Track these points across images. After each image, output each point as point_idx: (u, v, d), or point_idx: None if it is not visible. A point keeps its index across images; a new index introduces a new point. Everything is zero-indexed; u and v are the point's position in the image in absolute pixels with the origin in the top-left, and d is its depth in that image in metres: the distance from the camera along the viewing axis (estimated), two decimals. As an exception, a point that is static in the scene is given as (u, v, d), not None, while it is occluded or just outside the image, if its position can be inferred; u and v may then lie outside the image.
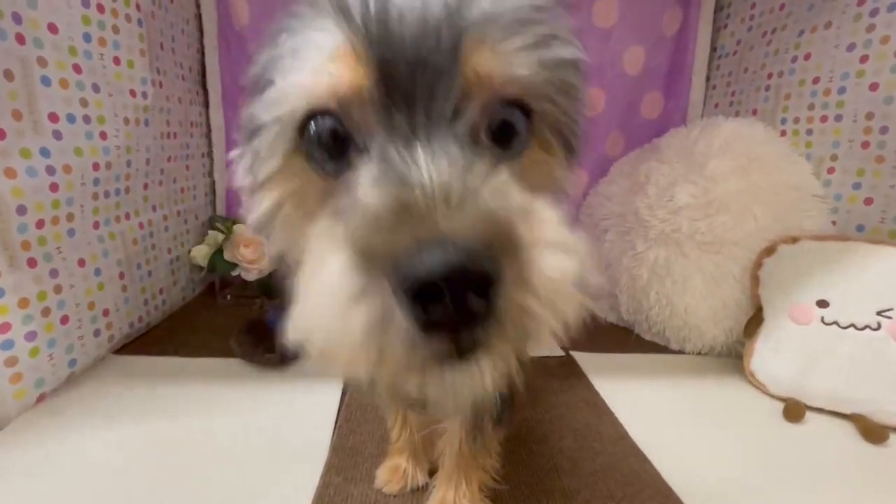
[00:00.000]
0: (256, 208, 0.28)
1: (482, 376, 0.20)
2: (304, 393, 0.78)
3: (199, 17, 1.15)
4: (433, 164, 0.20)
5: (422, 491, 0.56)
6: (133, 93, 0.87)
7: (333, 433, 0.67)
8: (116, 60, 0.82)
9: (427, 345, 0.18)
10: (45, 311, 0.69)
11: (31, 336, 0.67)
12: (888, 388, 0.71)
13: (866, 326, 0.73)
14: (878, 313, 0.72)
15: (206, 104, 1.20)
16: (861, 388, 0.73)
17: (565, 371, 0.91)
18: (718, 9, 1.27)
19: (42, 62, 0.68)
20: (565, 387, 0.84)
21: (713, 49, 1.29)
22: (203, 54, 1.17)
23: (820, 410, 0.76)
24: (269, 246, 0.29)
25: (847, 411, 0.74)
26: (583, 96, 0.29)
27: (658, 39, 1.31)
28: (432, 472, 0.56)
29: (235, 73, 1.21)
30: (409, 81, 0.22)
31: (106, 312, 0.83)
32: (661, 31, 1.31)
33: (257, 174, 0.28)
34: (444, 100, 0.22)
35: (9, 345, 0.64)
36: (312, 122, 0.24)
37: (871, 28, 0.84)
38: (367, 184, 0.21)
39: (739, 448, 0.69)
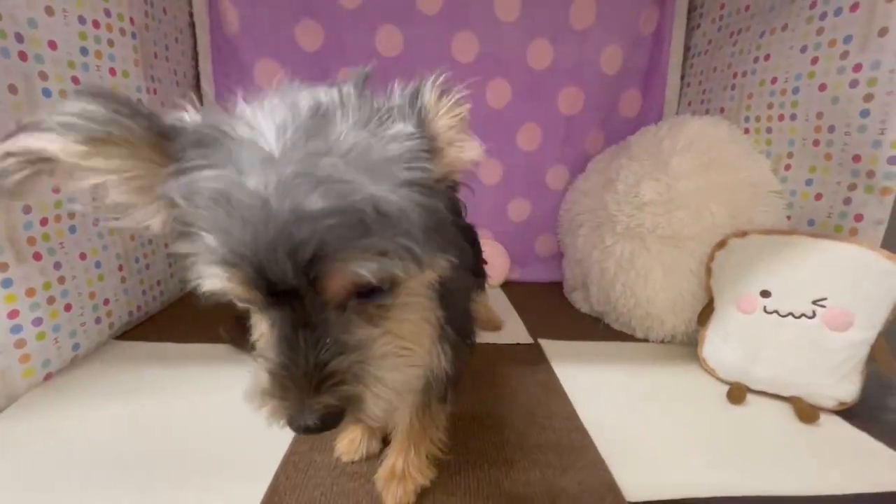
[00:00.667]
0: None
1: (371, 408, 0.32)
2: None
3: (192, 25, 1.22)
4: (307, 349, 0.30)
5: (375, 459, 0.63)
6: (129, 100, 0.94)
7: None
8: (112, 71, 0.89)
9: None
10: (50, 300, 0.77)
11: (37, 321, 0.75)
12: (822, 372, 0.76)
13: (802, 315, 0.78)
14: (814, 302, 0.77)
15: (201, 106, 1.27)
16: (798, 373, 0.78)
17: (531, 357, 0.97)
18: (692, 9, 1.30)
19: (43, 76, 0.75)
20: (528, 372, 0.90)
21: (687, 48, 1.32)
22: (197, 60, 1.24)
23: (762, 393, 0.82)
24: None
25: (786, 394, 0.79)
26: (445, 205, 0.35)
27: (636, 39, 1.35)
28: (386, 443, 0.63)
29: (228, 76, 1.28)
30: (285, 296, 0.30)
31: (106, 301, 0.91)
32: (638, 30, 1.35)
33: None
34: (311, 306, 0.30)
35: (17, 329, 0.72)
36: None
37: (820, 31, 0.88)
38: (266, 355, 0.33)
39: (681, 427, 0.74)
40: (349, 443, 0.63)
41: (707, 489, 0.60)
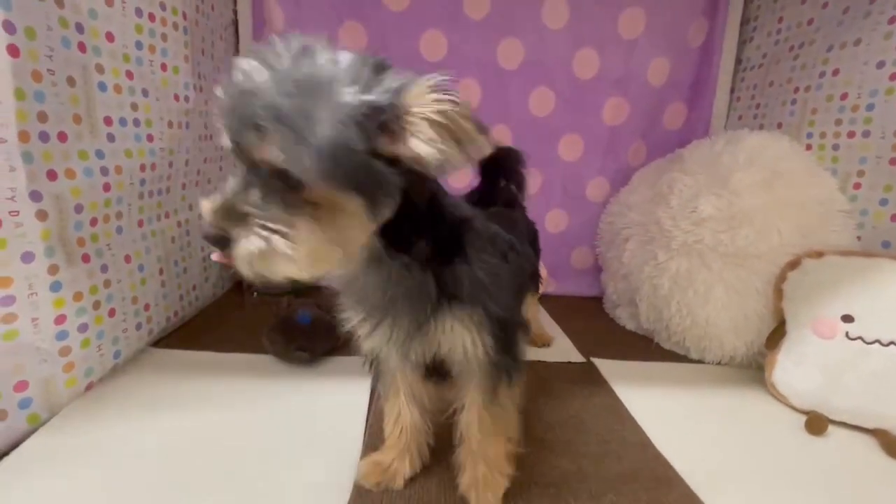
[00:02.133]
0: None
1: (237, 251, 0.39)
2: (335, 391, 0.81)
3: (235, 23, 1.19)
4: (227, 189, 0.40)
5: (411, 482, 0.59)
6: (177, 97, 0.91)
7: (365, 431, 0.70)
8: (164, 67, 0.86)
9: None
10: (96, 305, 0.73)
11: (83, 328, 0.70)
12: (912, 404, 0.72)
13: (891, 343, 0.73)
14: (904, 330, 0.73)
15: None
16: (884, 404, 0.73)
17: (586, 377, 0.92)
18: (744, 21, 1.28)
19: (100, 69, 0.72)
20: (587, 393, 0.86)
21: (738, 61, 1.30)
22: (238, 59, 1.21)
23: (842, 424, 0.77)
24: None
25: (870, 426, 0.75)
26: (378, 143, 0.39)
27: (684, 51, 1.33)
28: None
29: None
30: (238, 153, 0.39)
31: (147, 307, 0.86)
32: (686, 42, 1.32)
33: None
34: (248, 163, 0.39)
35: (63, 335, 0.68)
36: None
37: (901, 46, 0.85)
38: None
39: (764, 459, 0.70)
40: (373, 465, 0.59)
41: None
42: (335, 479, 0.60)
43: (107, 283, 0.75)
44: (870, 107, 0.90)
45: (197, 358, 0.90)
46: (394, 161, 0.39)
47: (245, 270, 0.39)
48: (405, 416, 0.60)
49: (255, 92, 0.36)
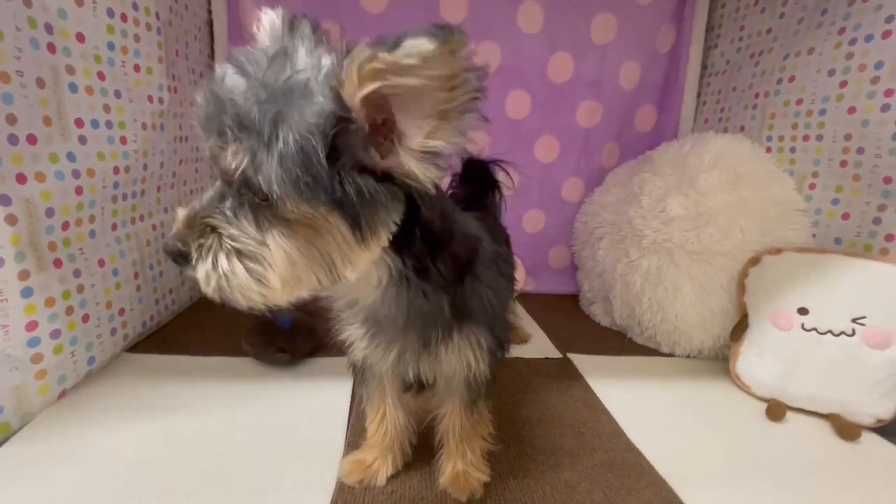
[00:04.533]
0: None
1: (196, 272, 0.38)
2: (316, 391, 0.82)
3: (210, 23, 1.18)
4: (202, 199, 0.39)
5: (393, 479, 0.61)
6: (151, 98, 0.89)
7: (347, 431, 0.71)
8: (136, 68, 0.85)
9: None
10: (69, 310, 0.72)
11: (55, 334, 0.69)
12: (861, 390, 0.77)
13: (842, 333, 0.79)
14: (853, 321, 0.78)
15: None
16: (837, 390, 0.79)
17: (563, 372, 0.95)
18: (709, 28, 1.33)
19: (70, 70, 0.70)
20: (563, 387, 0.88)
21: (704, 67, 1.35)
22: (214, 59, 1.20)
23: (800, 410, 0.82)
24: None
25: (824, 411, 0.80)
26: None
27: (653, 56, 1.38)
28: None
29: (244, 78, 1.24)
30: (212, 162, 0.38)
31: (122, 312, 0.85)
32: (655, 47, 1.37)
33: None
34: (221, 173, 0.38)
35: (35, 342, 0.66)
36: None
37: (849, 56, 0.90)
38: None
39: (727, 445, 0.74)
40: (355, 463, 0.60)
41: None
42: (317, 478, 0.61)
43: (80, 288, 0.74)
44: (822, 112, 0.96)
45: (174, 362, 0.89)
46: (388, 175, 0.36)
47: (209, 293, 0.37)
48: (390, 417, 0.61)
49: (226, 99, 0.34)
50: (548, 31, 1.31)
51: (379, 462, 0.60)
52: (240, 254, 0.36)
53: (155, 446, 0.66)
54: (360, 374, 0.61)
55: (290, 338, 0.90)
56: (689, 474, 0.65)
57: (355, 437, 0.69)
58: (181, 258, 0.37)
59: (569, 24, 1.31)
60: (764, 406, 0.83)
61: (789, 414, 0.82)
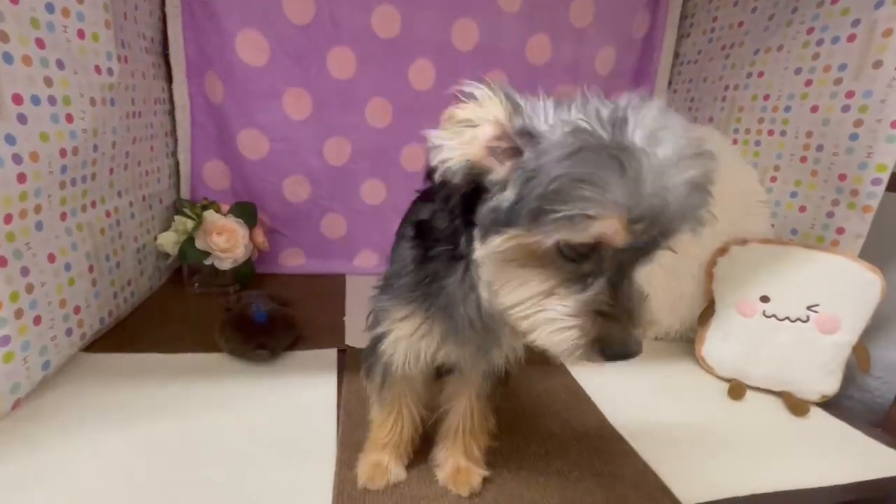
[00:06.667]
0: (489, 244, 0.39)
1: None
2: (299, 387, 0.79)
3: (160, -20, 1.05)
4: (630, 295, 0.38)
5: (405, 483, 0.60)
6: (98, 69, 0.79)
7: (338, 428, 0.70)
8: (81, 33, 0.74)
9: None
10: (18, 313, 0.64)
11: (5, 340, 0.62)
12: (811, 370, 0.85)
13: (798, 319, 0.86)
14: (808, 308, 0.85)
15: (170, 79, 1.11)
16: (791, 371, 0.86)
17: (546, 360, 0.98)
18: (683, 17, 1.35)
19: (3, 37, 0.60)
20: (548, 376, 0.91)
21: (676, 55, 1.38)
22: (165, 23, 1.07)
23: (757, 389, 0.90)
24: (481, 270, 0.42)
25: (777, 390, 0.88)
26: None
27: (628, 41, 1.38)
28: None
29: (201, 44, 1.12)
30: (633, 250, 0.37)
31: (77, 310, 0.77)
32: (631, 33, 1.38)
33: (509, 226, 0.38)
34: (642, 259, 0.40)
35: (-19, 351, 0.59)
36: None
37: (816, 56, 0.95)
38: (598, 288, 0.37)
39: (694, 422, 0.80)
40: (374, 466, 0.59)
41: (743, 488, 0.64)
42: (313, 480, 0.59)
43: (29, 288, 0.66)
44: (787, 108, 1.01)
45: (139, 361, 0.83)
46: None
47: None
48: (406, 415, 0.60)
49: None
50: (527, 12, 1.28)
51: (393, 462, 0.60)
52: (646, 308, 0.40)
53: (128, 457, 0.61)
54: (378, 375, 0.58)
55: (269, 332, 0.86)
56: (667, 458, 0.69)
57: (346, 434, 0.68)
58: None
59: (548, 6, 1.29)
60: (726, 386, 0.90)
61: (749, 393, 0.89)
